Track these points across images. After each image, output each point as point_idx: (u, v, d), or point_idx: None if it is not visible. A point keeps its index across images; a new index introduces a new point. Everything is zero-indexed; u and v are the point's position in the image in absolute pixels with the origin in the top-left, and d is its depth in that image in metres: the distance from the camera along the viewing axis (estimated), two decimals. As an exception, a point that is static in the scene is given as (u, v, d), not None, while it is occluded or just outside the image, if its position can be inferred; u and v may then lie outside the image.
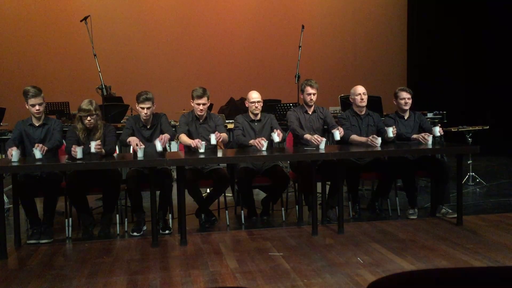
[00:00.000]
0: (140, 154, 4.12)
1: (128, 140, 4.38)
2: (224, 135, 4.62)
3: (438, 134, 4.72)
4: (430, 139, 4.66)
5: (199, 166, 4.74)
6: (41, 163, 3.98)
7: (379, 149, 4.54)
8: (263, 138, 4.55)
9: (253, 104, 4.87)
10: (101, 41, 7.80)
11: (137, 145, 4.19)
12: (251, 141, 4.65)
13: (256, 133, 4.86)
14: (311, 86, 4.92)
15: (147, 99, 4.48)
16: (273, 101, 7.17)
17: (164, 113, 4.79)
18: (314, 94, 4.95)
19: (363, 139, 4.79)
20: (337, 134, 4.63)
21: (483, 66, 9.72)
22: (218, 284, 3.14)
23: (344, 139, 4.79)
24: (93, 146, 4.10)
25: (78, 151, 4.02)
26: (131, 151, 4.52)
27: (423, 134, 4.72)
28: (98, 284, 3.20)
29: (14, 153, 3.98)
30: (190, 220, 4.67)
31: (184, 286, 3.14)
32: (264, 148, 4.43)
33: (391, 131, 4.67)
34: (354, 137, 4.86)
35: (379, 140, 4.62)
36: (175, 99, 8.75)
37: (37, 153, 4.08)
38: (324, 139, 4.51)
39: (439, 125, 4.91)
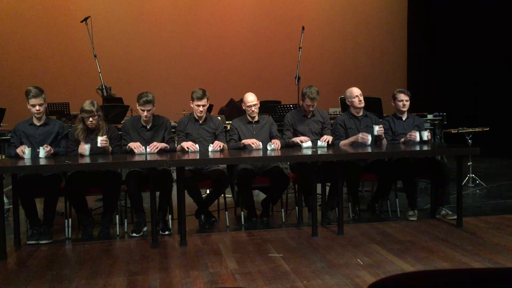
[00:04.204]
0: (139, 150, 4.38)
1: (128, 147, 4.47)
2: (225, 147, 4.67)
3: (425, 138, 4.76)
4: (416, 133, 4.73)
5: (199, 166, 4.74)
6: (41, 163, 3.98)
7: (378, 150, 4.55)
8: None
9: (250, 108, 4.86)
10: (102, 42, 7.78)
11: (135, 148, 4.40)
12: (244, 141, 4.69)
13: (254, 135, 4.86)
14: (312, 99, 4.87)
15: (147, 102, 4.47)
16: (273, 102, 7.17)
17: (168, 119, 4.80)
18: (313, 106, 4.94)
19: (352, 138, 4.82)
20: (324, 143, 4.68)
21: (484, 67, 9.72)
22: (217, 285, 3.14)
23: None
24: (99, 140, 4.28)
25: (26, 152, 4.16)
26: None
27: (409, 133, 4.78)
28: (98, 285, 3.20)
29: (26, 151, 4.13)
30: (190, 221, 4.67)
31: (183, 287, 3.14)
32: (260, 147, 4.58)
33: (376, 130, 4.72)
34: (342, 142, 4.89)
35: (369, 136, 4.65)
36: (175, 100, 8.75)
37: (42, 152, 4.12)
38: (308, 139, 4.67)
39: (428, 130, 4.97)
